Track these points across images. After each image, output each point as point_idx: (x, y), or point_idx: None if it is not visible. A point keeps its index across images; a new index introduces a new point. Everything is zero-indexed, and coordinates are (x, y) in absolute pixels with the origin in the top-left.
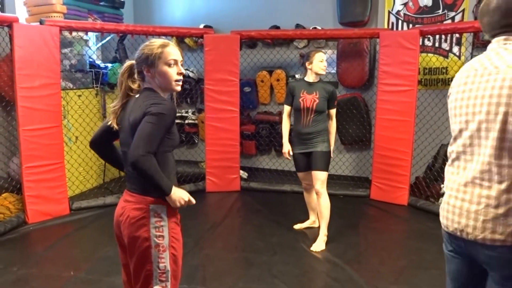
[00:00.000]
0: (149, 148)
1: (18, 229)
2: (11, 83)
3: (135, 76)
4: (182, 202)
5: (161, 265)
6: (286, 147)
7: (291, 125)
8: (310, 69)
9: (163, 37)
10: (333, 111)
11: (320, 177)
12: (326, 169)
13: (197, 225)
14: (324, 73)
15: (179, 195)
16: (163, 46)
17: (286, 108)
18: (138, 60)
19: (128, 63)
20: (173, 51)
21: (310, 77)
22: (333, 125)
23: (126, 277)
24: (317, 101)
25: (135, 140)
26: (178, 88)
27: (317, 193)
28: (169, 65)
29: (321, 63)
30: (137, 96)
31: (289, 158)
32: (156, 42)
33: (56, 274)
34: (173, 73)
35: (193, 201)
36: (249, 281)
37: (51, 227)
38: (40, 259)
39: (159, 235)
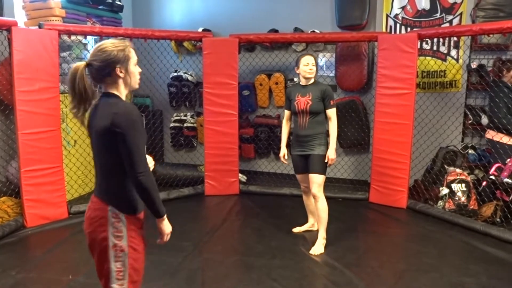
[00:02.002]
0: (143, 160)
1: (17, 233)
2: (9, 86)
3: (90, 78)
4: (167, 232)
5: (118, 263)
6: (282, 151)
7: (291, 128)
8: (299, 73)
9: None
10: (330, 112)
11: (316, 181)
12: (323, 173)
13: (196, 229)
14: (310, 76)
15: (168, 224)
16: (130, 46)
17: (286, 113)
18: (109, 61)
19: (80, 65)
20: (134, 52)
21: (302, 81)
22: (332, 127)
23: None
24: (310, 102)
25: (127, 160)
26: (137, 86)
27: (314, 197)
28: (135, 65)
29: (305, 67)
30: (96, 103)
31: (285, 162)
32: (124, 43)
33: (55, 278)
34: (138, 72)
35: (167, 239)
36: (249, 284)
37: (49, 231)
38: (38, 263)
39: (117, 235)
